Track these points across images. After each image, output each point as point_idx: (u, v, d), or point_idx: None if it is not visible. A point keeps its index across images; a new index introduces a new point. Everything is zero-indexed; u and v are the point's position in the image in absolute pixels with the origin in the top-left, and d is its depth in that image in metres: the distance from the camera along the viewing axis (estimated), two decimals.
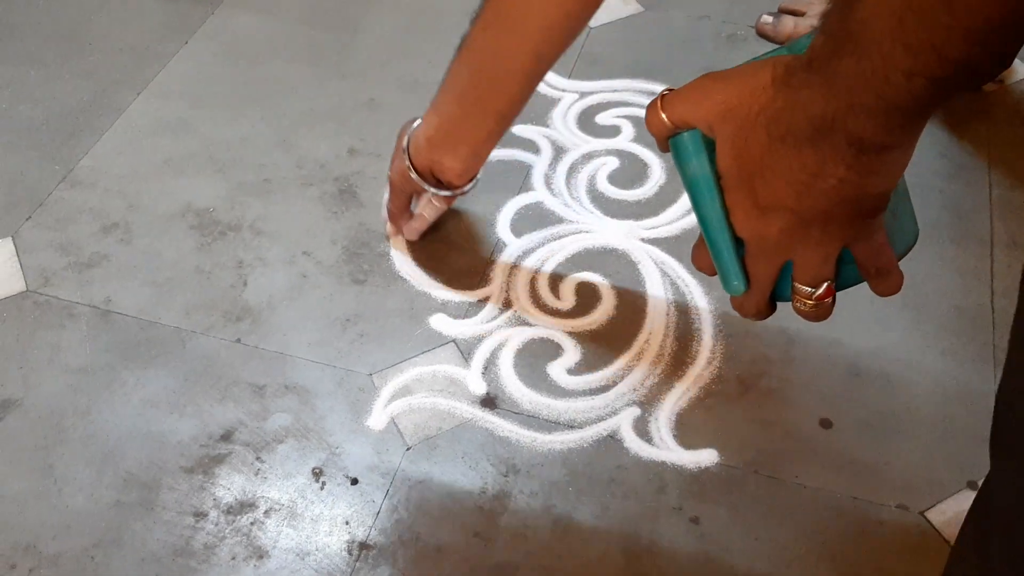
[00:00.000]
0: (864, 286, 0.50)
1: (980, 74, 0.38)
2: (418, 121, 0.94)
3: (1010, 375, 0.47)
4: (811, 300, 0.48)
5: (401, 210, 1.00)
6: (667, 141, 0.48)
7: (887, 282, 0.49)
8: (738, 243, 0.48)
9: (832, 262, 0.47)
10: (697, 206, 0.48)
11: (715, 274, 0.51)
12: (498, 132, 0.91)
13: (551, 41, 0.85)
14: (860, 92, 0.39)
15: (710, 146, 0.46)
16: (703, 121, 0.46)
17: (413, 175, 0.94)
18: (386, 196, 1.00)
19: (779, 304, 0.52)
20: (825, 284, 0.48)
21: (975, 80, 0.38)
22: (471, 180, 0.97)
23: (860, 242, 0.46)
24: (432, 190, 0.96)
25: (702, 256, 0.51)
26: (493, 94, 0.88)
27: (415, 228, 1.00)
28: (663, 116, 0.47)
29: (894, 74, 0.38)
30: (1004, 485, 0.49)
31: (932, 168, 1.08)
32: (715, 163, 0.46)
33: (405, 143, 0.94)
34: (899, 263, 0.50)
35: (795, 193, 0.43)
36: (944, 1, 0.35)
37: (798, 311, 0.49)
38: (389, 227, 1.02)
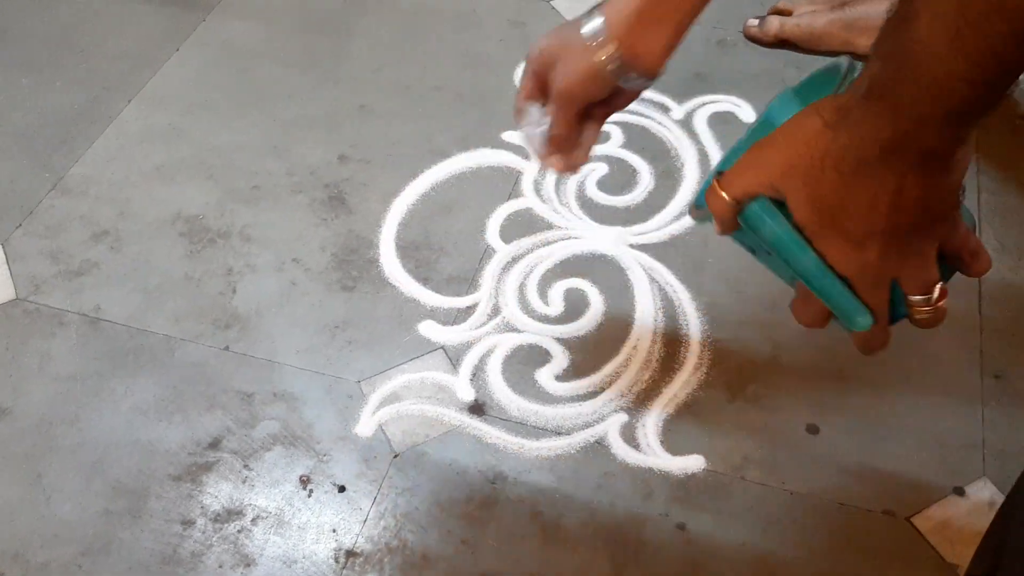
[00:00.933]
0: None
1: None
2: (590, 18, 0.69)
3: None
4: (929, 307, 0.49)
5: (572, 129, 0.73)
6: (735, 220, 0.49)
7: (981, 260, 0.50)
8: (843, 281, 0.48)
9: (935, 264, 0.48)
10: (793, 264, 0.49)
11: (826, 324, 0.51)
12: (698, 9, 0.70)
13: None
14: (926, 107, 0.41)
15: (781, 207, 0.47)
16: (766, 186, 0.47)
17: (609, 64, 0.68)
18: (534, 131, 0.74)
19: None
20: (938, 287, 0.48)
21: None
22: (660, 71, 0.72)
23: (950, 237, 0.48)
24: (625, 80, 0.70)
25: (807, 310, 0.51)
26: None
27: (583, 156, 0.77)
28: (724, 196, 0.48)
29: (958, 84, 0.40)
30: None
31: None
32: (791, 220, 0.47)
33: (586, 38, 0.69)
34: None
35: (882, 216, 0.45)
36: (997, 10, 0.37)
37: (920, 322, 0.50)
38: (555, 160, 0.76)
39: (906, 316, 0.50)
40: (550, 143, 0.76)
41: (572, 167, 0.77)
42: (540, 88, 0.75)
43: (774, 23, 1.24)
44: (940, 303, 0.49)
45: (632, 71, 0.71)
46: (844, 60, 0.50)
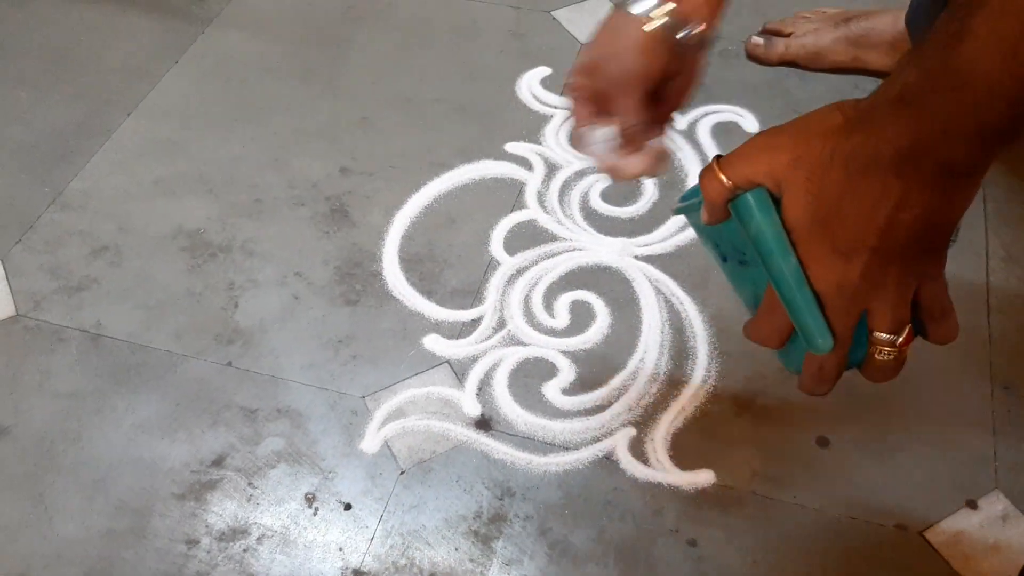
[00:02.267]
0: None
1: None
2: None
3: None
4: (893, 348, 0.47)
5: (643, 115, 0.65)
6: (726, 206, 0.47)
7: (948, 325, 0.48)
8: (815, 298, 0.46)
9: (909, 304, 0.46)
10: (770, 267, 0.47)
11: (781, 344, 0.49)
12: None
13: None
14: (958, 120, 0.40)
15: (776, 203, 0.46)
16: (769, 176, 0.45)
17: (668, 19, 0.63)
18: (604, 140, 0.67)
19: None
20: (907, 328, 0.47)
21: None
22: (715, 25, 0.68)
23: (929, 280, 0.46)
24: (684, 33, 0.64)
25: (764, 324, 0.49)
26: None
27: (662, 158, 0.68)
28: (723, 179, 0.46)
29: (998, 102, 0.39)
30: None
31: None
32: (781, 219, 0.46)
33: (647, 4, 0.64)
34: None
35: (877, 229, 0.43)
36: None
37: (877, 366, 0.48)
38: (633, 163, 0.67)
39: (860, 363, 0.48)
40: (625, 143, 0.67)
41: (658, 163, 0.67)
42: (594, 107, 0.67)
43: (779, 45, 1.22)
44: (904, 347, 0.47)
45: (689, 21, 0.64)
46: None
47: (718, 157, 0.48)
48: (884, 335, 0.47)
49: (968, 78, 0.39)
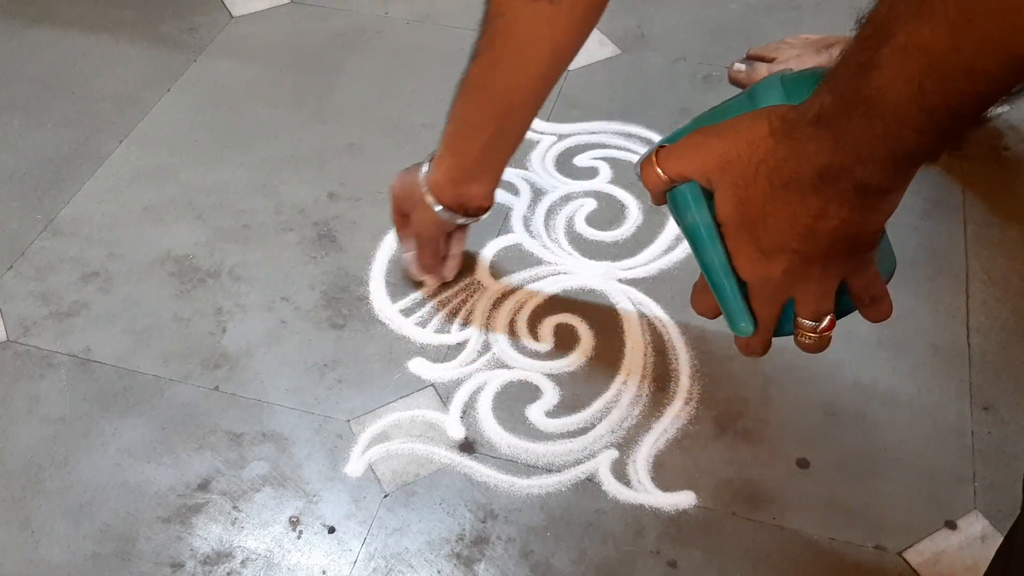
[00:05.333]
0: (850, 319, 0.52)
1: (983, 122, 0.41)
2: (425, 168, 0.95)
3: None
4: (815, 333, 0.50)
5: (436, 258, 1.00)
6: (663, 195, 0.50)
7: (880, 308, 0.51)
8: (741, 285, 0.50)
9: (832, 296, 0.49)
10: (699, 254, 0.50)
11: (716, 316, 0.53)
12: (515, 148, 0.94)
13: (559, 64, 0.87)
14: (871, 146, 0.41)
15: (708, 196, 0.48)
16: (700, 174, 0.48)
17: (446, 216, 0.95)
18: (406, 255, 1.01)
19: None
20: (828, 317, 0.50)
21: (978, 126, 0.41)
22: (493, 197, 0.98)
23: (856, 275, 0.49)
24: (464, 220, 0.97)
25: (702, 300, 0.52)
26: (510, 124, 0.91)
27: (453, 267, 1.02)
28: (659, 171, 0.49)
29: (906, 131, 0.40)
30: None
31: (907, 205, 1.08)
32: (714, 212, 0.48)
33: (423, 195, 0.94)
34: None
35: (798, 235, 0.45)
36: (966, 72, 0.38)
37: (801, 345, 0.51)
38: (429, 279, 1.02)
39: (791, 334, 0.51)
40: (422, 268, 1.01)
41: (444, 279, 1.02)
42: (407, 221, 0.99)
43: (761, 70, 1.23)
44: (826, 333, 0.50)
45: (461, 216, 0.96)
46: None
47: (660, 148, 0.50)
48: (807, 321, 0.50)
49: (878, 108, 0.40)
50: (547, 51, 0.84)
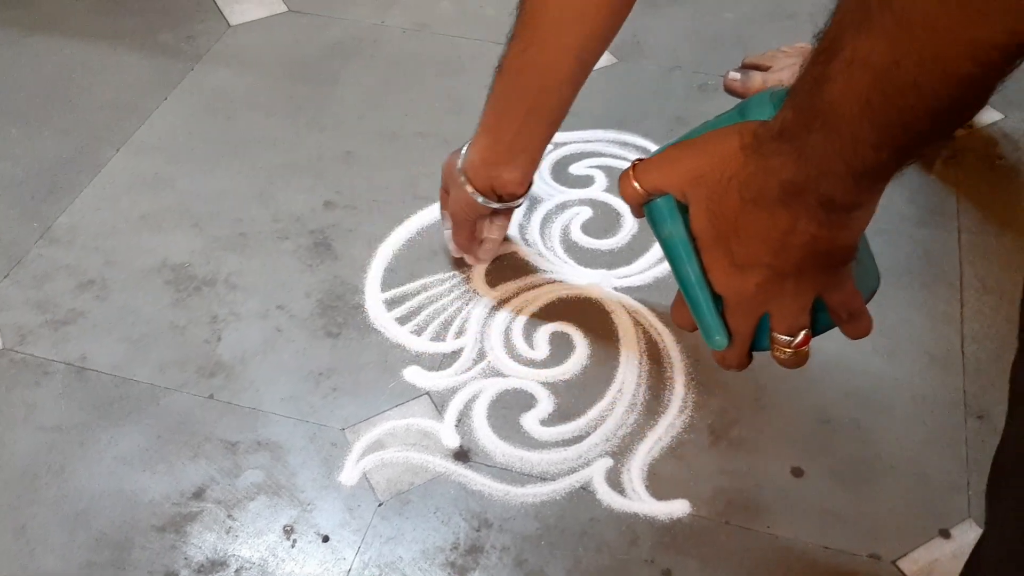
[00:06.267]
0: (837, 332, 0.52)
1: (945, 139, 0.41)
2: (465, 147, 0.96)
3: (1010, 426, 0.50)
4: (790, 348, 0.50)
5: (470, 239, 1.01)
6: (641, 208, 0.51)
7: (858, 325, 0.51)
8: (717, 299, 0.50)
9: (807, 312, 0.49)
10: (675, 267, 0.50)
11: (695, 330, 0.53)
12: (551, 135, 0.94)
13: (593, 45, 0.88)
14: (830, 161, 0.41)
15: (684, 210, 0.49)
16: (675, 188, 0.48)
17: (479, 199, 0.96)
18: (447, 233, 1.03)
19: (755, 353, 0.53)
20: (803, 333, 0.50)
21: (940, 144, 0.41)
22: (530, 186, 0.99)
23: (832, 290, 0.49)
24: (497, 205, 0.97)
25: (682, 313, 0.53)
26: (544, 106, 0.91)
27: (489, 250, 1.03)
28: (636, 185, 0.50)
29: (862, 147, 0.40)
30: (995, 525, 0.52)
31: (902, 213, 1.09)
32: (689, 226, 0.49)
33: (460, 172, 0.96)
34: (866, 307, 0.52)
35: (770, 250, 0.46)
36: (912, 85, 0.37)
37: (777, 359, 0.52)
38: (468, 258, 1.04)
39: (768, 349, 0.52)
40: (457, 246, 1.03)
41: (478, 262, 1.04)
42: (448, 199, 1.00)
43: (756, 79, 1.24)
44: (801, 348, 0.50)
45: (498, 200, 0.97)
46: None
47: (637, 162, 0.50)
48: (782, 336, 0.50)
49: (834, 123, 0.40)
50: (581, 32, 0.85)
